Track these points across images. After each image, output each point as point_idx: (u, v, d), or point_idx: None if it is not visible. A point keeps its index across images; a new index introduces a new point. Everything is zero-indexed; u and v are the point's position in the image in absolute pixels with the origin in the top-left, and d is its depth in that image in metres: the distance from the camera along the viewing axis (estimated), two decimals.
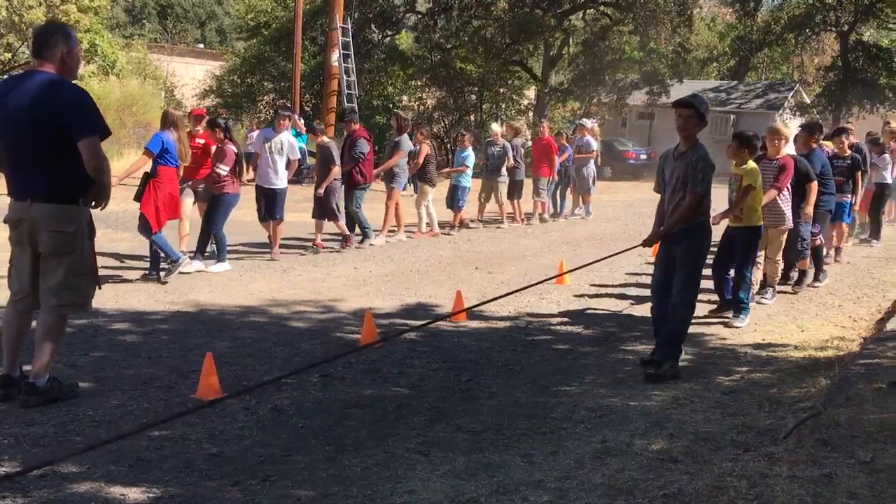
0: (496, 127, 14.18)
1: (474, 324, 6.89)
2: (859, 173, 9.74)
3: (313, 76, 28.08)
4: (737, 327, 6.76)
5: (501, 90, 31.16)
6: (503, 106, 31.52)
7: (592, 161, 14.90)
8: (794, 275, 8.46)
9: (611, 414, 4.61)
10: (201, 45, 45.22)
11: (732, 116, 33.82)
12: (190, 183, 8.99)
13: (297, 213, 12.73)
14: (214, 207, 8.81)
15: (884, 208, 12.33)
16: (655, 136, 32.73)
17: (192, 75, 33.88)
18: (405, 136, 11.47)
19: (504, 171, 13.25)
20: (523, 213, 14.09)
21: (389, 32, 32.32)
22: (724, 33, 46.25)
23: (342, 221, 10.61)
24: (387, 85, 31.13)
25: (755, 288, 7.51)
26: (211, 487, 3.67)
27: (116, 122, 20.81)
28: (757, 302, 7.52)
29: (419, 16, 31.47)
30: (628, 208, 17.39)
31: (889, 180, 11.81)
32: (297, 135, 15.00)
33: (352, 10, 23.13)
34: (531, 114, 30.76)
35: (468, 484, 3.65)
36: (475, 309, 6.47)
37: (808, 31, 39.85)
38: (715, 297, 7.42)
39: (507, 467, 3.83)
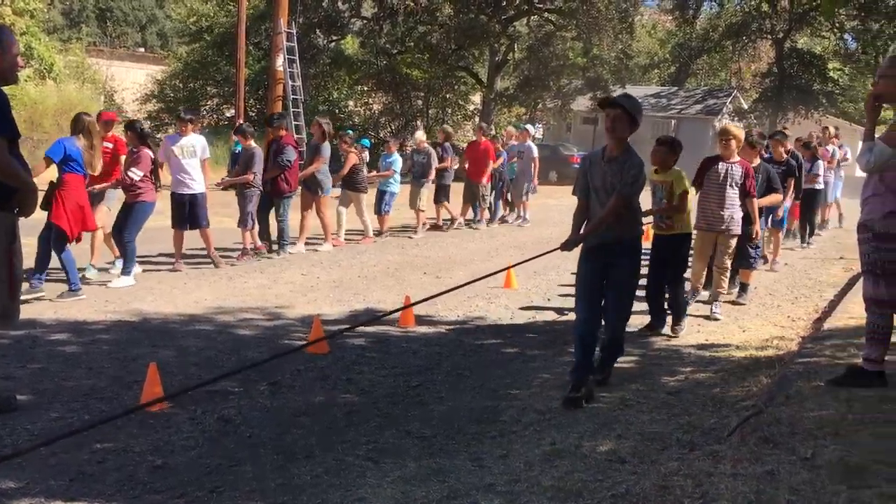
0: (420, 134, 14.05)
1: (423, 329, 6.88)
2: (793, 180, 9.78)
3: (258, 81, 27.81)
4: (678, 336, 6.68)
5: (448, 95, 31.32)
6: (449, 111, 31.67)
7: (533, 167, 14.74)
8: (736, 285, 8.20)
9: (560, 416, 4.65)
10: (142, 49, 44.39)
11: (673, 121, 34.51)
12: (96, 188, 8.41)
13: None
14: (127, 215, 8.41)
15: (817, 213, 12.59)
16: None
17: (133, 79, 33.21)
18: (326, 143, 11.19)
19: (430, 178, 13.15)
20: (442, 218, 13.85)
21: (335, 37, 32.18)
22: (664, 40, 47.20)
23: (255, 230, 10.16)
24: (332, 90, 31.03)
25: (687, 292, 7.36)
26: (156, 500, 3.59)
27: (54, 127, 20.25)
28: (712, 317, 7.27)
29: (364, 21, 31.42)
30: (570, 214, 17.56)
31: (820, 186, 11.98)
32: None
33: (296, 15, 22.95)
34: (477, 119, 30.93)
35: (419, 490, 3.64)
36: (423, 314, 6.47)
37: (744, 38, 40.88)
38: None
39: (458, 472, 3.84)
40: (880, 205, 4.30)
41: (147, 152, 8.46)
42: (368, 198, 12.37)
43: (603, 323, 5.09)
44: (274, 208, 10.42)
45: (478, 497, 3.52)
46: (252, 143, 10.24)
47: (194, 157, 9.30)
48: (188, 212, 9.28)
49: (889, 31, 38.90)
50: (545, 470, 3.79)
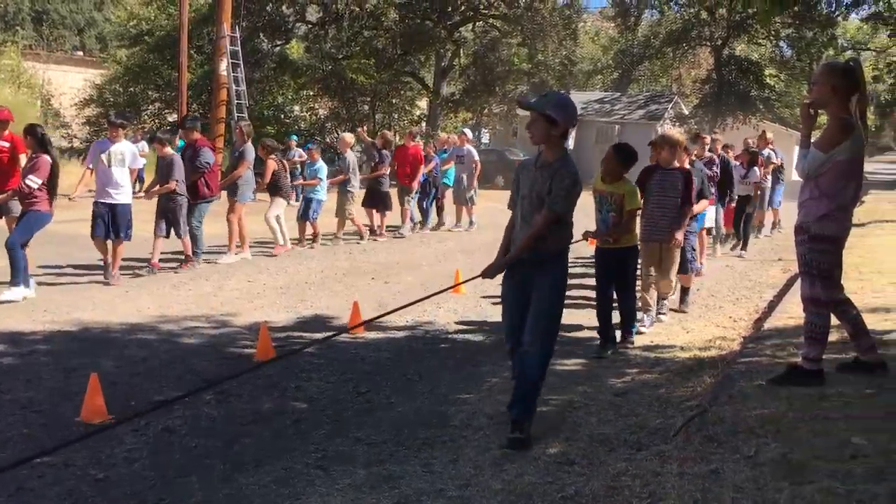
0: (348, 136, 13.65)
1: (372, 335, 6.85)
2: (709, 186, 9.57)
3: (201, 85, 27.39)
4: (630, 344, 6.49)
5: (394, 100, 31.27)
6: (396, 116, 31.65)
7: (475, 172, 14.55)
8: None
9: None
10: (80, 53, 43.41)
11: (617, 126, 35.03)
12: None
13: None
14: (20, 223, 7.96)
15: (752, 219, 12.42)
16: None
17: (71, 84, 32.45)
18: (249, 146, 10.84)
19: (353, 182, 12.69)
20: (384, 225, 13.42)
21: (279, 42, 31.90)
22: (607, 46, 47.93)
23: (188, 238, 9.75)
24: (277, 95, 30.73)
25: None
26: None
27: None
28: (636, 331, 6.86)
29: (309, 25, 31.23)
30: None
31: (751, 192, 11.95)
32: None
33: (240, 19, 22.68)
34: (424, 124, 30.97)
35: (369, 497, 3.62)
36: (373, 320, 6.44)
37: (684, 45, 41.80)
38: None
39: (408, 477, 3.83)
40: (815, 208, 4.43)
41: (46, 159, 7.84)
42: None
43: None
44: (191, 212, 9.88)
45: (428, 502, 3.52)
46: (169, 150, 9.63)
47: (122, 166, 8.87)
48: (109, 221, 8.76)
49: (822, 38, 40.16)
50: (495, 474, 3.81)
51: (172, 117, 26.88)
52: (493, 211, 17.25)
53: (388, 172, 13.39)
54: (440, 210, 15.09)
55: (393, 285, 9.00)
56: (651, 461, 3.68)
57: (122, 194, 8.85)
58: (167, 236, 9.63)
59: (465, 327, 7.21)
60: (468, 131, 16.24)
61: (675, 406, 4.71)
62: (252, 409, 4.93)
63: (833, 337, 4.79)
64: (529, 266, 4.30)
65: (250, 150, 10.80)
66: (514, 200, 4.50)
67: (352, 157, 12.90)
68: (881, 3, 28.51)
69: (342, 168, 12.84)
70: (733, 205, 11.35)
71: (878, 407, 4.05)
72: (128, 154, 9.00)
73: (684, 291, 8.00)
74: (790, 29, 38.59)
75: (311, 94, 31.81)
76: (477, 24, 32.30)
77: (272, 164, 11.31)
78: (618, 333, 6.53)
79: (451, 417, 4.76)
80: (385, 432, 4.53)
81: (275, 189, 11.42)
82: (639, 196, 6.51)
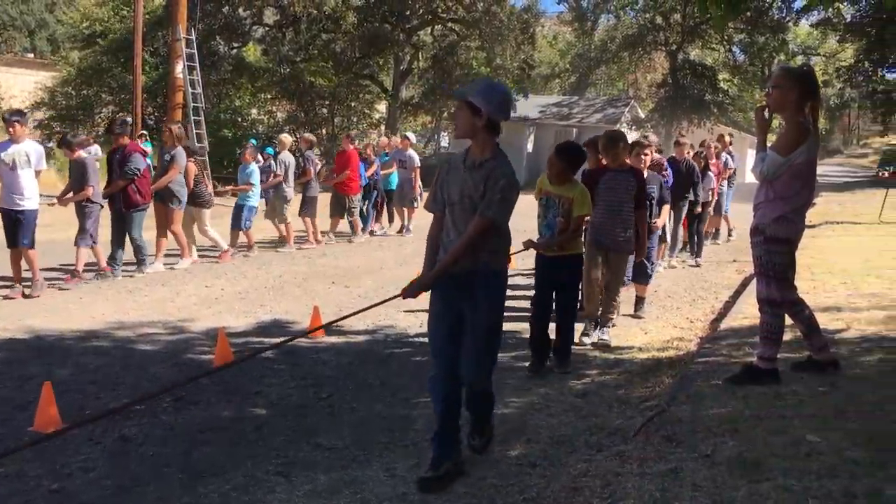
0: (285, 137, 12.97)
1: (332, 339, 6.81)
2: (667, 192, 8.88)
3: (156, 88, 27.01)
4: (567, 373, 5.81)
5: (353, 104, 31.16)
6: (355, 119, 31.54)
7: (417, 176, 14.08)
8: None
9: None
10: (31, 55, 42.50)
11: (575, 130, 35.29)
12: None
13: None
14: None
15: (703, 227, 11.68)
16: (503, 148, 33.68)
17: (22, 87, 31.76)
18: (180, 149, 10.18)
19: (284, 187, 12.23)
20: (318, 231, 12.80)
21: (236, 44, 31.60)
22: (564, 51, 48.38)
23: (98, 249, 9.12)
24: (235, 98, 30.44)
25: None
26: None
27: None
28: (598, 343, 6.52)
29: (267, 28, 30.99)
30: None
31: (710, 198, 11.54)
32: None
33: (196, 21, 22.40)
34: (384, 127, 30.92)
35: (330, 502, 3.60)
36: (333, 324, 6.41)
37: (640, 49, 42.39)
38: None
39: (370, 482, 3.81)
40: (770, 210, 4.52)
41: None
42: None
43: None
44: (126, 223, 9.41)
45: None
46: (81, 153, 9.12)
47: (27, 168, 8.15)
48: (13, 228, 8.18)
49: (773, 43, 41.04)
50: (457, 477, 3.81)
51: (127, 120, 26.43)
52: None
53: (313, 177, 12.82)
54: (379, 214, 14.76)
55: (353, 289, 8.96)
56: (611, 461, 3.72)
57: (27, 199, 8.17)
58: (95, 243, 9.07)
59: (424, 331, 7.18)
60: (411, 135, 15.76)
61: (634, 406, 4.76)
62: (211, 416, 4.87)
63: (787, 336, 4.89)
64: (461, 281, 3.72)
65: (181, 154, 10.18)
66: (436, 201, 3.90)
67: (289, 159, 12.39)
68: (831, 10, 29.20)
69: (276, 170, 12.36)
70: (699, 209, 10.86)
71: (831, 405, 4.14)
72: (33, 155, 8.26)
73: (639, 300, 7.80)
74: (742, 34, 39.40)
75: (269, 97, 31.58)
76: (435, 27, 32.38)
77: (192, 169, 10.59)
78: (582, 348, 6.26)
79: (413, 421, 4.75)
80: (346, 437, 4.51)
81: (192, 196, 10.59)
82: (588, 201, 5.84)
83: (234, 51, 31.76)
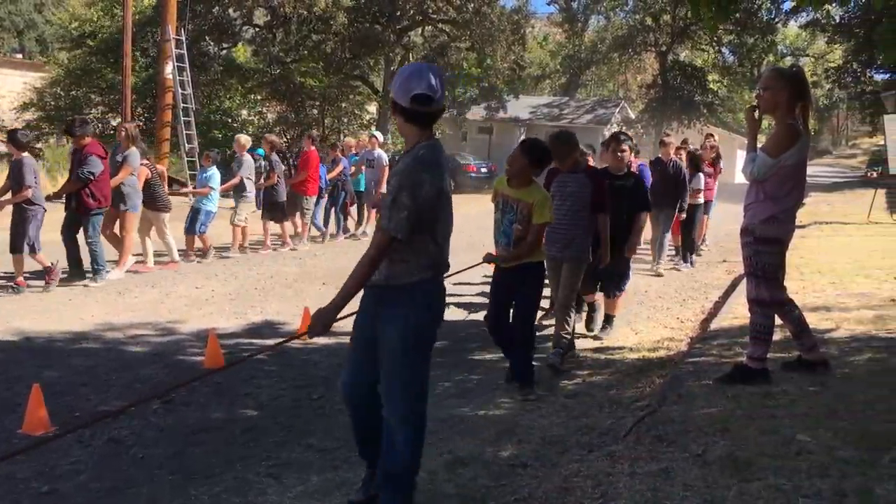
0: (243, 138, 12.23)
1: (323, 340, 6.79)
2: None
3: (146, 89, 26.90)
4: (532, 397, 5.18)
5: (343, 104, 31.12)
6: (345, 120, 31.51)
7: (382, 177, 13.20)
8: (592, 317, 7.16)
9: (461, 423, 4.67)
10: (19, 56, 42.26)
11: None
12: None
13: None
14: None
15: (696, 231, 11.30)
16: (495, 149, 33.80)
17: (10, 87, 31.56)
18: (134, 150, 9.58)
19: (247, 190, 11.63)
20: (287, 234, 12.39)
21: (226, 45, 31.51)
22: (555, 51, 48.46)
23: (40, 254, 8.55)
24: (225, 98, 30.36)
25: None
26: None
27: None
28: (551, 365, 5.83)
29: (257, 29, 30.92)
30: (470, 221, 17.75)
31: (701, 200, 11.08)
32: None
33: (185, 22, 22.34)
34: (374, 128, 30.89)
35: None
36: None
37: (630, 50, 42.53)
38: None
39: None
40: (760, 210, 4.54)
41: None
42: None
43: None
44: (82, 228, 9.03)
45: None
46: (25, 154, 8.57)
47: None
48: None
49: (762, 45, 41.23)
50: (448, 478, 3.81)
51: (116, 121, 26.34)
52: None
53: (277, 180, 12.11)
54: (346, 216, 14.23)
55: None
56: (602, 462, 3.72)
57: None
58: (37, 250, 8.53)
59: None
60: (378, 134, 15.03)
61: (625, 407, 4.77)
62: (202, 418, 4.86)
63: (777, 336, 4.91)
64: (377, 296, 3.24)
65: (134, 156, 9.55)
66: None
67: (248, 160, 11.74)
68: (821, 11, 29.33)
69: (236, 172, 11.64)
70: (683, 216, 10.41)
71: (822, 405, 4.16)
72: None
73: (608, 319, 7.03)
74: (732, 35, 39.56)
75: (260, 98, 31.50)
76: (426, 28, 32.35)
77: (144, 172, 9.93)
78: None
79: None
80: (338, 438, 4.50)
81: (148, 200, 10.04)
82: (551, 207, 5.21)
83: (224, 51, 31.67)
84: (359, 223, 14.32)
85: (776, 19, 41.24)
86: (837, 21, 34.26)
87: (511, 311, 5.29)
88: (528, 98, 39.15)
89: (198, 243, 11.13)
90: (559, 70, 46.69)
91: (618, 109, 37.91)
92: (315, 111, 30.96)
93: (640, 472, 3.45)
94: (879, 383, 4.52)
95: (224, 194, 11.67)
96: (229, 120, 29.59)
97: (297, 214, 12.52)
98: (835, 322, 6.25)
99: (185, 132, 18.98)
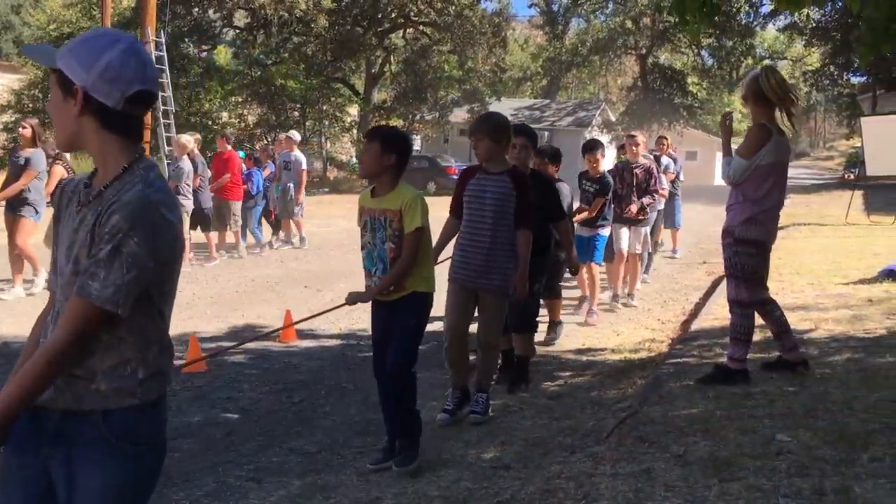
0: (184, 138, 11.10)
1: (305, 343, 6.77)
2: (603, 200, 7.58)
3: None
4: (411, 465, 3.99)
5: (324, 107, 31.07)
6: (326, 123, 31.46)
7: (303, 181, 12.37)
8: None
9: (444, 427, 4.67)
10: None
11: (546, 133, 35.50)
12: None
13: None
14: None
15: (656, 237, 10.28)
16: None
17: None
18: (39, 152, 8.66)
19: (186, 194, 10.37)
20: (213, 245, 11.18)
21: (206, 47, 31.39)
22: (536, 54, 48.65)
23: None
24: (205, 101, 30.21)
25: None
26: None
27: None
28: (471, 419, 4.69)
29: (237, 31, 30.82)
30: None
31: (659, 206, 9.69)
32: None
33: (165, 23, 22.22)
34: (355, 131, 30.87)
35: None
36: (305, 328, 6.37)
37: (611, 53, 42.76)
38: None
39: (344, 487, 3.79)
40: (740, 212, 4.60)
41: None
42: None
43: None
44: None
45: None
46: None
47: None
48: None
49: (741, 48, 41.58)
50: (432, 480, 3.80)
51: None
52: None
53: (202, 186, 10.95)
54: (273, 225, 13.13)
55: (326, 293, 8.91)
56: (585, 463, 3.73)
57: None
58: None
59: None
60: (295, 134, 13.62)
61: (607, 408, 4.78)
62: (181, 422, 4.82)
63: (757, 337, 4.95)
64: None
65: (38, 158, 8.66)
66: None
67: (186, 164, 10.50)
68: (800, 15, 29.62)
69: (172, 177, 10.42)
70: (634, 209, 8.35)
71: (801, 404, 4.19)
72: None
73: (522, 363, 5.46)
74: (711, 39, 39.87)
75: (240, 100, 31.39)
76: (407, 30, 32.41)
77: (59, 172, 8.91)
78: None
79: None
80: (319, 442, 4.48)
81: None
82: (423, 208, 3.97)
83: (205, 53, 31.55)
84: (275, 231, 13.12)
85: (754, 22, 41.62)
86: (815, 24, 34.65)
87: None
88: (510, 101, 39.28)
89: None
90: (540, 73, 46.86)
91: (598, 112, 38.12)
92: (296, 113, 30.89)
93: (622, 473, 3.46)
94: (857, 383, 4.56)
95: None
96: (209, 122, 29.45)
97: (229, 223, 11.49)
98: (813, 322, 6.31)
99: (164, 135, 18.85)
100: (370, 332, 4.29)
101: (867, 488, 3.06)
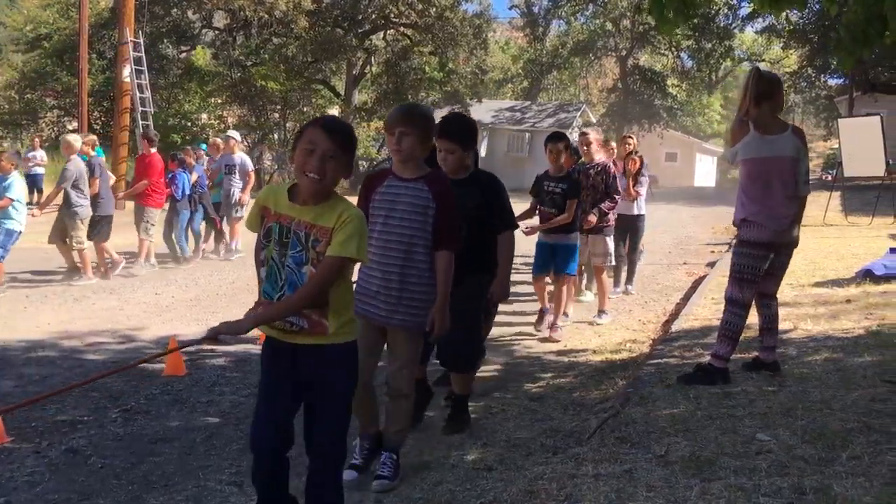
0: (71, 138, 9.98)
1: None
2: (575, 202, 6.75)
3: (103, 92, 26.54)
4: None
5: (305, 108, 30.99)
6: None
7: (240, 184, 11.61)
8: None
9: (427, 428, 4.65)
10: None
11: (528, 135, 35.57)
12: None
13: None
14: None
15: (640, 244, 9.36)
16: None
17: None
18: None
19: (75, 200, 9.37)
20: (104, 259, 10.00)
21: (185, 48, 31.20)
22: (516, 56, 48.76)
23: None
24: (184, 102, 30.04)
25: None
26: None
27: None
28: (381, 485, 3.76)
29: (217, 32, 30.67)
30: None
31: (642, 211, 9.00)
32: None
33: (143, 24, 22.06)
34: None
35: None
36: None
37: (591, 55, 42.94)
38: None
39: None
40: (738, 211, 4.81)
41: None
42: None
43: None
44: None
45: None
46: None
47: None
48: None
49: (720, 50, 41.89)
50: (414, 482, 3.79)
51: (73, 125, 25.92)
52: None
53: (102, 191, 9.93)
54: (220, 233, 12.15)
55: None
56: (567, 464, 3.74)
57: None
58: None
59: None
60: (236, 134, 12.95)
61: (588, 409, 4.79)
62: (161, 426, 4.77)
63: (743, 336, 4.98)
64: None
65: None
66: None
67: (73, 166, 9.45)
68: (781, 17, 29.86)
69: (61, 180, 9.52)
70: (593, 219, 7.50)
71: (780, 404, 4.22)
72: None
73: (460, 402, 4.61)
74: (690, 41, 40.16)
75: (220, 101, 31.23)
76: (388, 32, 32.36)
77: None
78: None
79: None
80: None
81: None
82: (363, 233, 2.88)
83: (184, 54, 31.36)
84: (217, 240, 12.19)
85: (733, 25, 41.97)
86: (793, 27, 34.97)
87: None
88: (491, 102, 39.32)
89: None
90: (521, 74, 46.95)
91: (579, 113, 38.21)
92: (276, 115, 30.78)
93: (604, 474, 3.47)
94: (836, 382, 4.61)
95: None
96: (188, 124, 29.28)
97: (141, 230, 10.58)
98: (792, 322, 6.36)
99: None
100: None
101: (846, 486, 3.08)
